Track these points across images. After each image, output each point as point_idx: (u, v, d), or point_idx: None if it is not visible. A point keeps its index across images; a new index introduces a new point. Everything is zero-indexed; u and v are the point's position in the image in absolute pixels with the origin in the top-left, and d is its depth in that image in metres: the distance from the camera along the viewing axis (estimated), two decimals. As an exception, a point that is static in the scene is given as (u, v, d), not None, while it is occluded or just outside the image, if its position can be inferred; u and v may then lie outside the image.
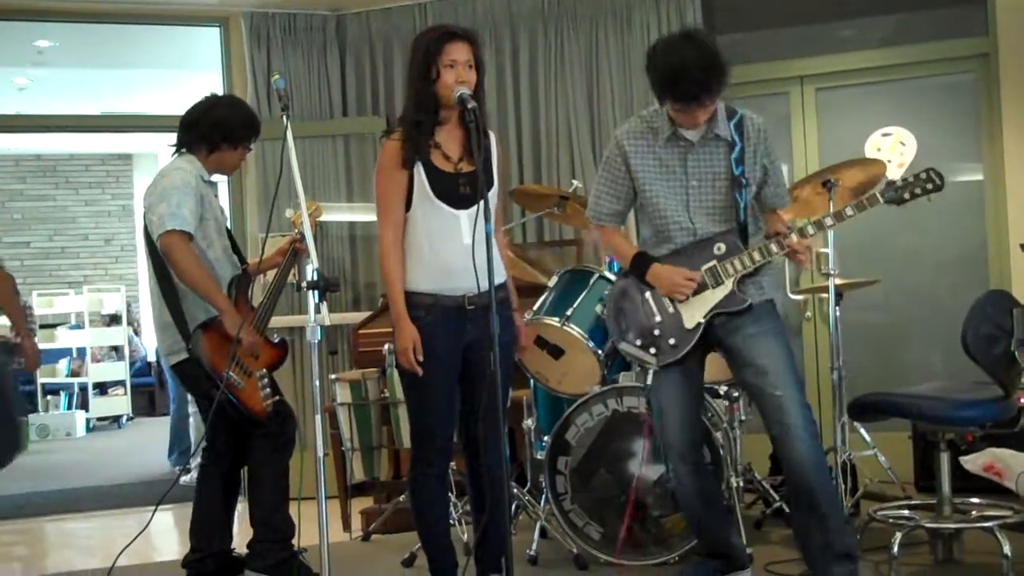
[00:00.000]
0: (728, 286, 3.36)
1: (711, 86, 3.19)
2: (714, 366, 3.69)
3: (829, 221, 3.40)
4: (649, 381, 3.46)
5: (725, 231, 3.40)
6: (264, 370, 3.87)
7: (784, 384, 3.25)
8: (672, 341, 3.39)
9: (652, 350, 3.41)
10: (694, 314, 3.39)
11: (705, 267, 3.38)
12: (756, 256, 3.35)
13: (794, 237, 3.34)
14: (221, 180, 5.15)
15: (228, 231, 4.08)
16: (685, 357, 3.40)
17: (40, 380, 11.13)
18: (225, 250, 3.98)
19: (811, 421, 3.26)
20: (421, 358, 3.29)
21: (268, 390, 3.85)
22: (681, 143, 3.40)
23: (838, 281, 4.47)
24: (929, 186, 3.37)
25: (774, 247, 3.34)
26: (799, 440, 3.21)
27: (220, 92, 4.19)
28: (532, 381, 4.40)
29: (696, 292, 3.37)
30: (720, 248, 3.38)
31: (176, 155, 3.99)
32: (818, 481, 3.23)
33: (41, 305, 11.55)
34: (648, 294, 3.45)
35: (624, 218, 3.58)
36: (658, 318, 3.42)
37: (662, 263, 3.42)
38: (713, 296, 3.38)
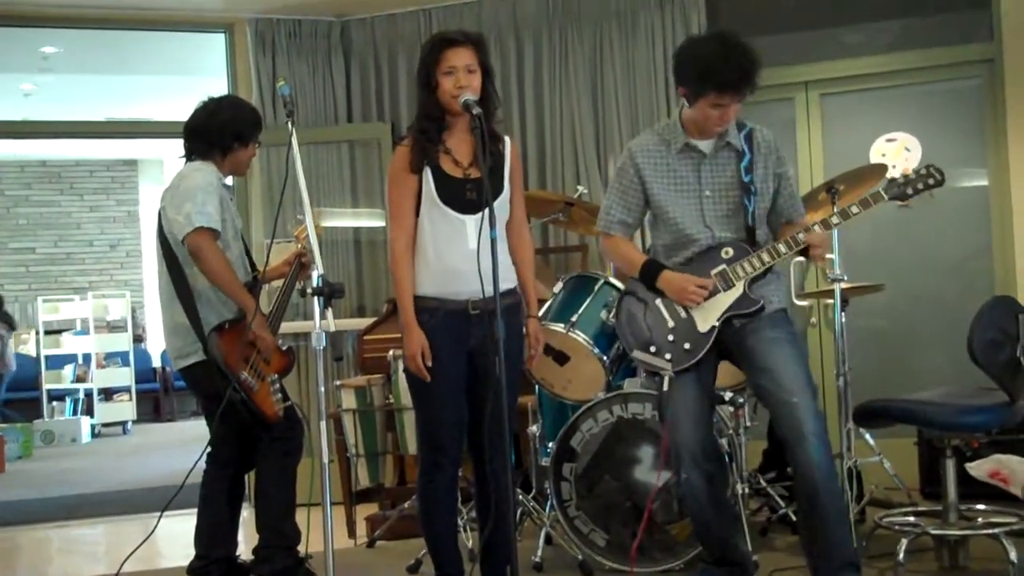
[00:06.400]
0: (739, 288, 3.38)
1: (752, 75, 3.26)
2: (719, 372, 3.67)
3: (835, 219, 3.42)
4: (665, 388, 3.41)
5: (734, 237, 3.43)
6: (275, 375, 3.88)
7: (800, 391, 3.26)
8: (687, 346, 3.40)
9: (668, 355, 3.40)
10: (708, 318, 3.40)
11: (715, 271, 3.40)
12: (765, 257, 3.38)
13: (801, 236, 3.36)
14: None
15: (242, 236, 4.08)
16: (699, 363, 3.41)
17: (45, 386, 11.15)
18: (240, 254, 3.97)
19: (824, 429, 3.27)
20: (430, 363, 3.30)
21: (280, 395, 3.85)
22: (694, 154, 3.44)
23: (843, 286, 4.46)
24: (931, 181, 3.42)
25: (782, 247, 3.38)
26: (812, 447, 3.22)
27: (216, 95, 4.12)
28: (537, 387, 4.40)
29: (708, 297, 3.39)
30: (728, 252, 3.42)
31: (188, 162, 3.97)
32: (827, 489, 3.23)
33: (46, 311, 11.57)
34: (658, 301, 3.46)
35: (633, 230, 3.60)
36: (671, 323, 3.43)
37: (675, 271, 3.44)
38: (725, 299, 3.39)
